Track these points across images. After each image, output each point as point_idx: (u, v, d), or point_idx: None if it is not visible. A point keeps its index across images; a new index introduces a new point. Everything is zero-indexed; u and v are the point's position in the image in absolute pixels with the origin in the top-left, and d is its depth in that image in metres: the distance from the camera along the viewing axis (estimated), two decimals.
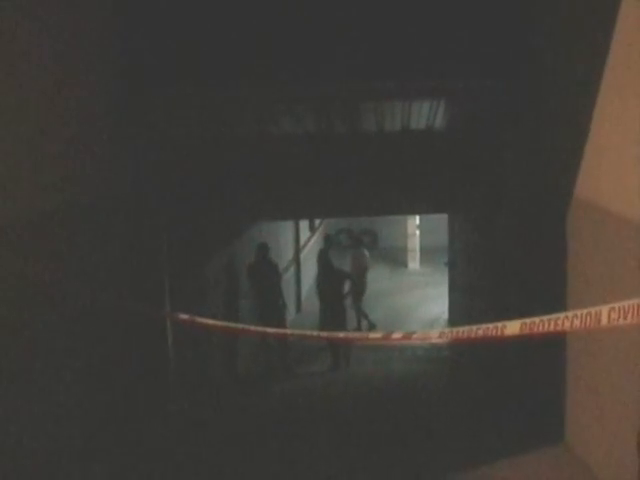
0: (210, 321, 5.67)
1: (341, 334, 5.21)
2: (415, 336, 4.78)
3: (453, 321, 14.25)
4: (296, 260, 18.63)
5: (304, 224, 20.13)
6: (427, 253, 23.41)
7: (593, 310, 3.08)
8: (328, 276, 13.17)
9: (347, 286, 13.25)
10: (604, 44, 4.77)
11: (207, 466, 6.00)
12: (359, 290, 16.42)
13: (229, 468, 5.94)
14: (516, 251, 7.26)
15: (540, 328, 3.35)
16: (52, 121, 5.30)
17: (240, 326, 6.28)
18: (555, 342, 5.69)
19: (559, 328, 3.27)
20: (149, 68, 6.80)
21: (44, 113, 5.18)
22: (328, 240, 16.44)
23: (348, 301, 14.45)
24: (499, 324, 3.57)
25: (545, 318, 3.33)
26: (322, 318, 13.06)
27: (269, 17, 6.77)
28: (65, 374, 5.38)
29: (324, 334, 5.73)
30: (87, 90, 6.00)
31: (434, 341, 13.39)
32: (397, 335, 4.56)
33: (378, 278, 21.63)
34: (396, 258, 24.61)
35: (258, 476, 5.76)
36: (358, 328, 16.37)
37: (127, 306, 6.11)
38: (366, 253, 16.76)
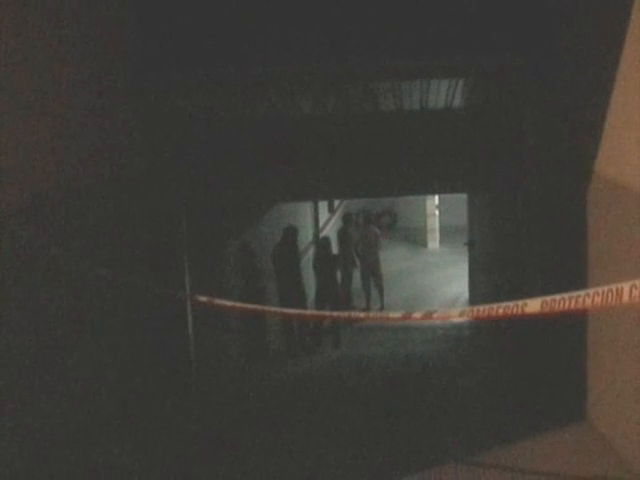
0: (229, 302, 5.69)
1: (361, 314, 5.21)
2: (436, 315, 4.78)
3: (473, 300, 14.24)
4: (316, 241, 18.62)
5: (323, 205, 20.11)
6: (447, 233, 23.36)
7: (614, 287, 3.06)
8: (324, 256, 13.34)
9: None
10: (626, 18, 4.71)
11: (228, 444, 6.04)
12: (373, 268, 16.39)
13: (251, 446, 5.98)
14: (536, 229, 7.22)
15: (561, 306, 3.34)
16: (70, 103, 5.32)
17: (258, 307, 6.29)
18: (576, 319, 5.66)
19: (580, 306, 3.26)
20: (167, 48, 6.79)
21: (62, 95, 5.19)
22: (347, 218, 16.50)
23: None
24: (520, 302, 3.55)
25: (566, 296, 3.31)
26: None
27: None
28: (85, 355, 5.42)
29: (344, 314, 5.72)
30: (105, 71, 6.01)
31: (455, 320, 13.39)
32: (418, 314, 4.55)
33: (398, 258, 21.62)
34: (416, 238, 24.56)
35: (278, 454, 5.78)
36: (367, 307, 16.39)
37: (147, 288, 6.13)
38: (376, 230, 16.70)
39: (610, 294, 3.08)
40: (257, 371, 10.50)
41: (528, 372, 7.42)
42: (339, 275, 15.94)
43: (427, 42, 6.71)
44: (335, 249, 16.07)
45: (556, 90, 6.50)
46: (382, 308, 16.10)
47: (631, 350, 4.86)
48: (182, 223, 7.49)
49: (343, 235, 16.40)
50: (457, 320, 13.26)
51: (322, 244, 13.72)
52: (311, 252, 17.77)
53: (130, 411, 6.16)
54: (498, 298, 4.00)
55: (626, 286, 3.00)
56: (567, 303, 3.31)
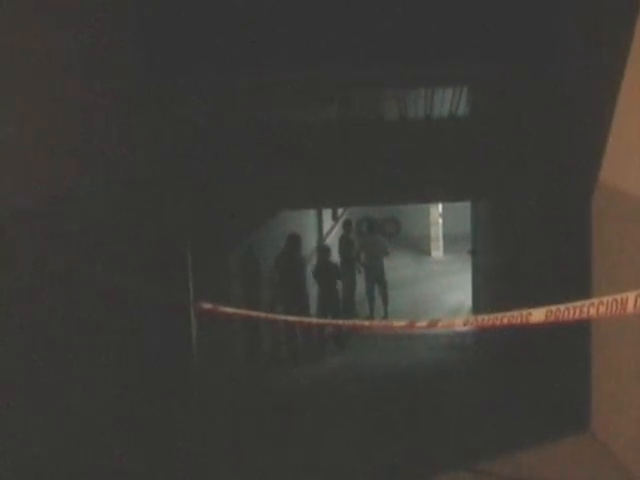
0: (232, 309, 5.69)
1: (366, 322, 5.22)
2: (440, 324, 4.78)
3: (477, 309, 14.21)
4: (317, 250, 18.59)
5: (327, 213, 20.10)
6: (450, 241, 23.32)
7: (619, 297, 3.06)
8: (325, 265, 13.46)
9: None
10: (630, 27, 4.72)
11: (231, 449, 6.04)
12: (378, 276, 16.34)
13: (252, 451, 5.98)
14: (540, 238, 7.22)
15: (565, 315, 3.34)
16: (75, 108, 5.34)
17: (262, 314, 6.30)
18: (580, 329, 5.66)
19: (585, 315, 3.26)
20: (169, 53, 6.81)
21: (65, 100, 5.21)
22: (348, 226, 16.50)
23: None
24: (524, 311, 3.56)
25: (570, 305, 3.31)
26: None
27: (292, 2, 6.75)
28: (87, 359, 5.42)
29: (348, 323, 5.73)
30: (108, 77, 6.02)
31: (459, 329, 13.36)
32: (422, 323, 4.56)
33: (401, 266, 21.59)
34: (419, 246, 24.53)
35: (279, 459, 5.78)
36: (371, 315, 16.34)
37: (151, 294, 6.14)
38: (380, 238, 16.67)
39: (615, 304, 3.08)
40: (260, 379, 10.49)
41: (532, 382, 7.42)
42: (340, 283, 15.97)
43: (431, 50, 6.73)
44: (336, 256, 16.12)
45: (560, 98, 6.50)
46: (386, 316, 16.07)
47: (634, 360, 4.86)
48: (186, 230, 7.50)
49: (344, 242, 16.38)
50: (461, 328, 13.23)
51: (322, 252, 13.76)
52: (314, 259, 17.77)
53: (132, 415, 6.16)
54: (502, 307, 4.01)
55: (631, 296, 3.00)
56: (571, 313, 3.31)
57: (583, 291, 5.67)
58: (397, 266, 20.77)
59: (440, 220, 24.10)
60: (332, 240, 19.57)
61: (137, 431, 6.04)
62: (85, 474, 5.08)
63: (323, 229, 19.10)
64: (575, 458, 5.45)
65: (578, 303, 3.27)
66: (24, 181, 4.58)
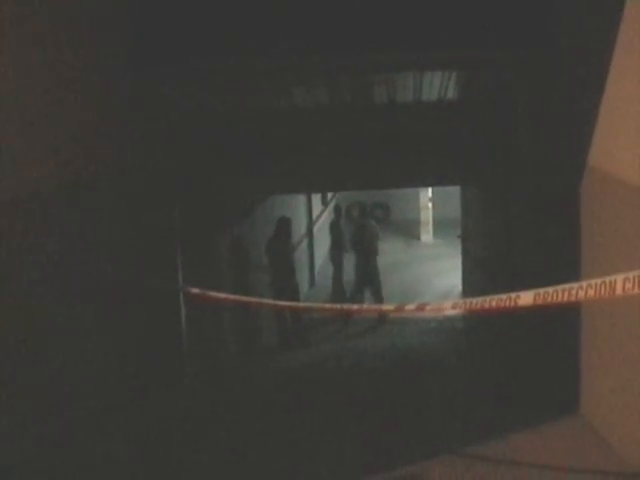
0: (221, 295, 5.68)
1: (355, 306, 5.23)
2: (429, 307, 4.79)
3: (467, 293, 14.24)
4: (309, 234, 18.59)
5: (316, 198, 20.08)
6: (440, 225, 23.37)
7: (608, 280, 3.06)
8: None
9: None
10: (620, 12, 4.70)
11: (221, 437, 6.04)
12: (370, 262, 16.34)
13: (243, 439, 5.98)
14: (530, 222, 7.22)
15: (554, 298, 3.34)
16: (65, 98, 5.30)
17: (251, 299, 6.30)
18: (570, 312, 5.67)
19: (573, 298, 3.26)
20: (159, 41, 6.76)
21: (59, 92, 5.18)
22: (338, 211, 16.51)
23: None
24: (513, 295, 3.56)
25: (559, 288, 3.31)
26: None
27: None
28: (79, 348, 5.41)
29: (337, 306, 5.73)
30: (100, 68, 5.99)
31: (448, 313, 13.40)
32: (411, 307, 4.56)
33: (391, 251, 21.61)
34: (409, 231, 24.57)
35: (270, 446, 5.79)
36: (361, 300, 16.34)
37: (140, 280, 6.12)
38: (372, 223, 16.67)
39: (603, 287, 3.09)
40: (249, 364, 10.49)
41: (522, 365, 7.43)
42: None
43: (421, 34, 6.69)
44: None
45: (550, 83, 6.49)
46: (376, 300, 16.07)
47: (625, 344, 4.87)
48: (175, 216, 7.47)
49: (335, 228, 16.39)
50: (450, 313, 13.27)
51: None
52: (305, 244, 17.77)
53: (121, 404, 6.15)
54: (492, 291, 4.03)
55: (619, 279, 3.00)
56: (560, 295, 3.31)
57: (572, 275, 5.67)
58: (387, 250, 20.79)
59: (430, 204, 24.14)
60: (322, 225, 19.58)
61: (128, 420, 6.04)
62: (77, 462, 5.08)
63: (313, 214, 19.09)
64: (566, 441, 5.47)
65: (567, 286, 3.27)
66: (18, 172, 4.56)
